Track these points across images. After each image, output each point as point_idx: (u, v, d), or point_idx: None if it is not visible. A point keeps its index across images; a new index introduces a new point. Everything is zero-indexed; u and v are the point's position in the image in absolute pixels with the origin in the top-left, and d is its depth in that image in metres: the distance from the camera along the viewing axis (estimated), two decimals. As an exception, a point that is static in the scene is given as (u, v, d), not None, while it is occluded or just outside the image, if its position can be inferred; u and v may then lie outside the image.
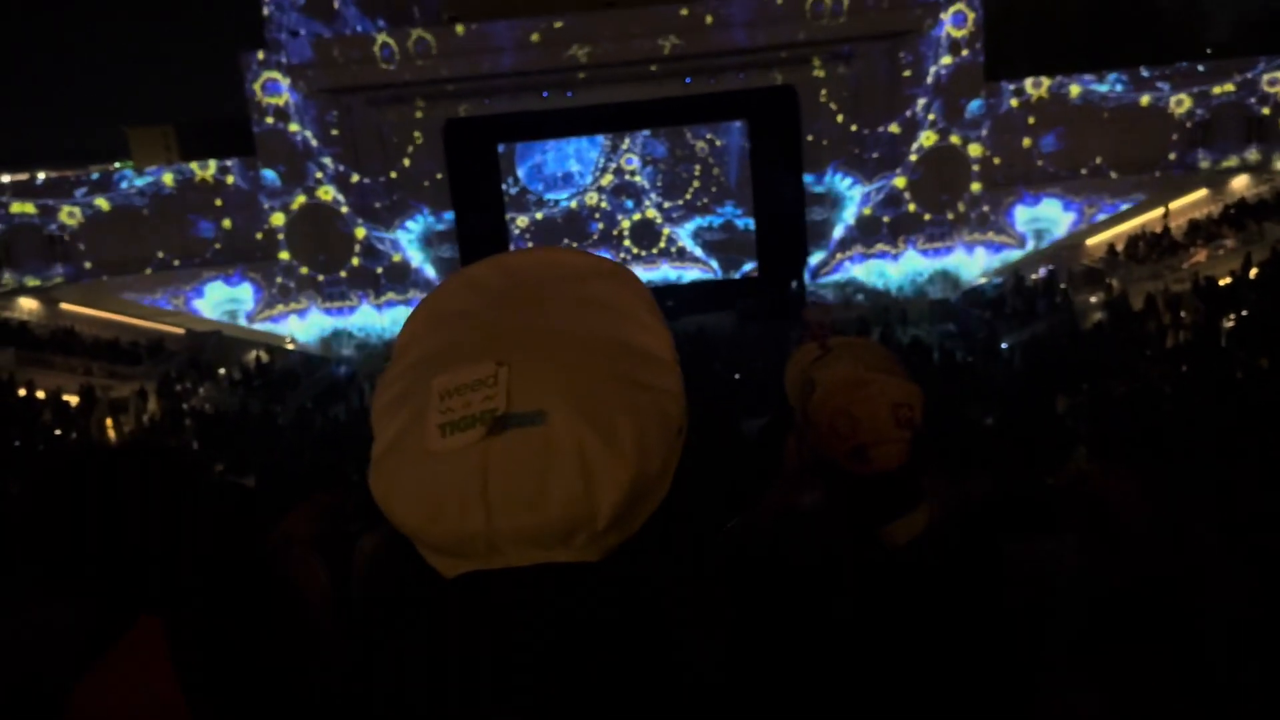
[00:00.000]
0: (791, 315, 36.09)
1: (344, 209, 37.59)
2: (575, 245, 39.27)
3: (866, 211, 38.52)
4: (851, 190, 38.93)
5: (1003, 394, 21.39)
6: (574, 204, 40.36)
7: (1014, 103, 37.26)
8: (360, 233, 38.36)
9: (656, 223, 41.59)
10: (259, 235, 37.73)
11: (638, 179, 40.80)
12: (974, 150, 37.12)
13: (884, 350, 2.15)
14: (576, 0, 33.09)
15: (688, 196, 41.43)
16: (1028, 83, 37.20)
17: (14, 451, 23.87)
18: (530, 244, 39.60)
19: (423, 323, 1.08)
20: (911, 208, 37.93)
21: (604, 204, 40.89)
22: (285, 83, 34.65)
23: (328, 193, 37.44)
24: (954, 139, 37.20)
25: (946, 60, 35.78)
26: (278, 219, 37.28)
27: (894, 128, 37.88)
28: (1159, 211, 33.96)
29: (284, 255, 37.51)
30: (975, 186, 37.10)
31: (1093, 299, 30.40)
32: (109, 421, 27.87)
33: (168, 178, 37.72)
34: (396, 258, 38.70)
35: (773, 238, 38.90)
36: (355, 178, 37.87)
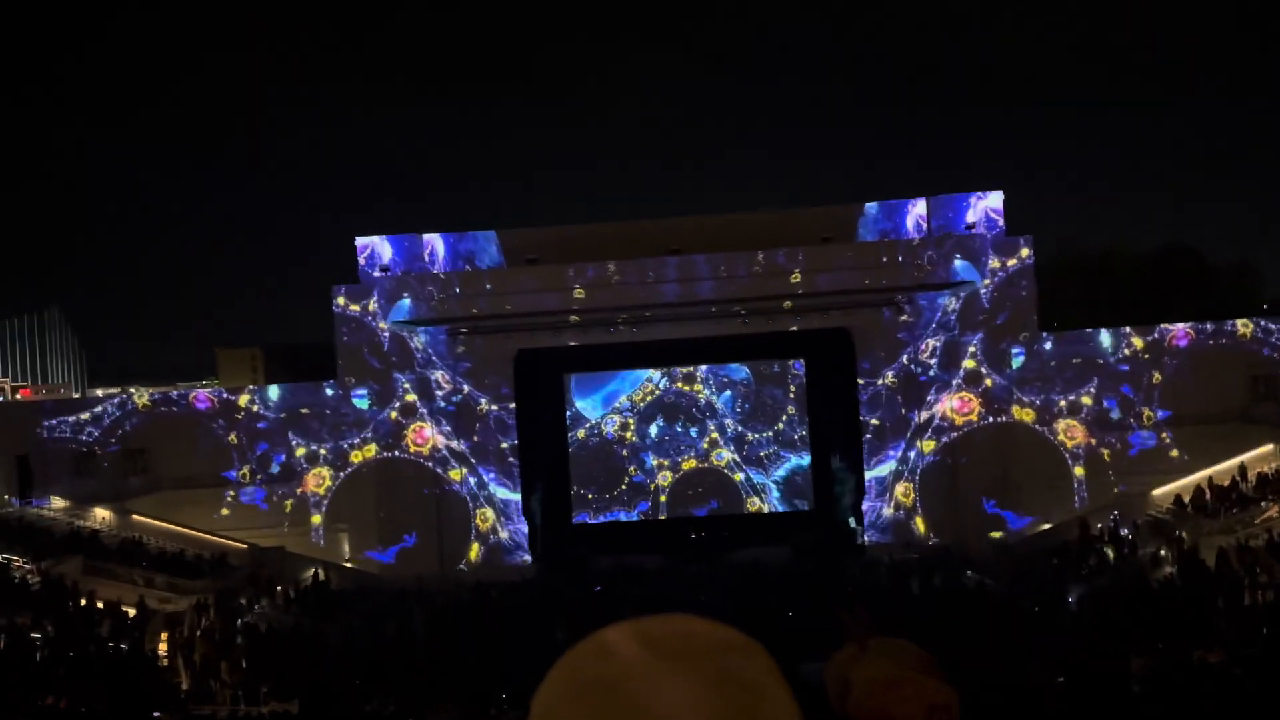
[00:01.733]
0: (849, 552, 35.60)
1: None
2: (611, 493, 38.55)
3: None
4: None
5: (1071, 652, 20.55)
6: (612, 433, 38.75)
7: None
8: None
9: (731, 477, 38.02)
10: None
11: (699, 390, 38.63)
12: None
13: (920, 651, 2.16)
14: (645, 246, 35.40)
15: (779, 427, 38.81)
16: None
17: (69, 662, 23.98)
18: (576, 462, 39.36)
19: (560, 693, 1.08)
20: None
21: (632, 434, 38.37)
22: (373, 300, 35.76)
23: (422, 433, 36.15)
24: (1022, 413, 34.87)
25: (989, 276, 34.95)
26: (318, 480, 36.44)
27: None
28: (1229, 464, 33.46)
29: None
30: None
31: (1161, 551, 29.52)
32: (164, 635, 27.96)
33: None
34: None
35: (830, 474, 38.91)
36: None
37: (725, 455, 39.50)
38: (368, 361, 37.00)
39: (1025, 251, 35.85)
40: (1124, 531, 31.81)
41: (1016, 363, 35.93)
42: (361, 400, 37.02)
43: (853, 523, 37.85)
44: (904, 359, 37.53)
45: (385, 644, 27.50)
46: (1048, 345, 36.79)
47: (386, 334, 36.88)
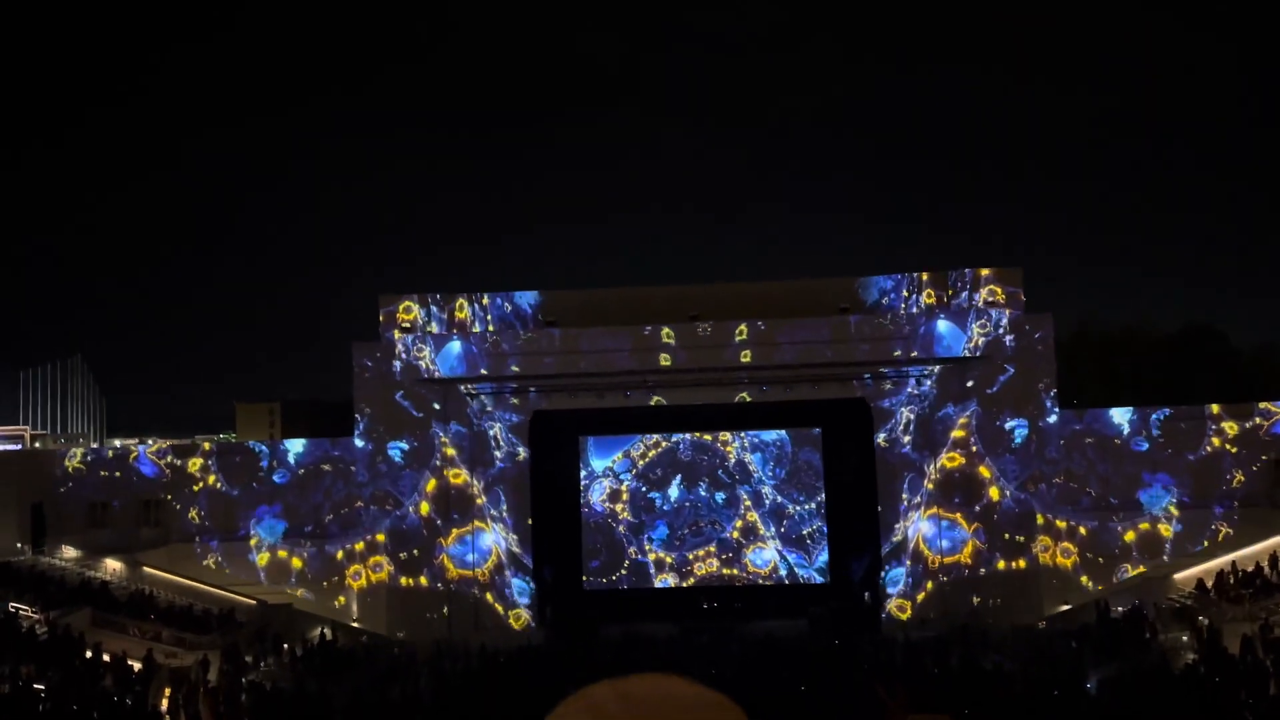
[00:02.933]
0: (864, 628, 34.86)
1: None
2: (609, 577, 36.97)
3: None
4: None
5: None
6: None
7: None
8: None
9: (758, 574, 36.18)
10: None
11: (726, 444, 36.65)
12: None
13: None
14: (663, 312, 35.49)
15: (822, 497, 36.64)
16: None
17: (71, 715, 23.72)
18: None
19: None
20: None
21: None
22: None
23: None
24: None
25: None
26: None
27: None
28: (1254, 549, 32.79)
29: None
30: None
31: (1183, 637, 28.84)
32: (167, 690, 27.65)
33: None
34: None
35: (848, 545, 38.21)
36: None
37: (768, 555, 37.02)
38: (403, 410, 34.92)
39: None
40: (1146, 613, 31.11)
41: (1019, 436, 34.43)
42: (395, 452, 34.88)
43: (868, 597, 37.12)
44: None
45: (391, 708, 27.08)
46: (1052, 419, 35.26)
47: (422, 385, 35.29)
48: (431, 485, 35.77)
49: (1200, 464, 35.16)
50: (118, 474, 37.08)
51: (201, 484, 36.12)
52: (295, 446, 37.05)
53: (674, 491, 38.47)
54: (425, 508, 35.64)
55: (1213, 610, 29.63)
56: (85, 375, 55.57)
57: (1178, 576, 33.03)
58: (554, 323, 35.75)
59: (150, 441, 45.33)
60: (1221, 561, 32.54)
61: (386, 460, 35.70)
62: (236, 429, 58.42)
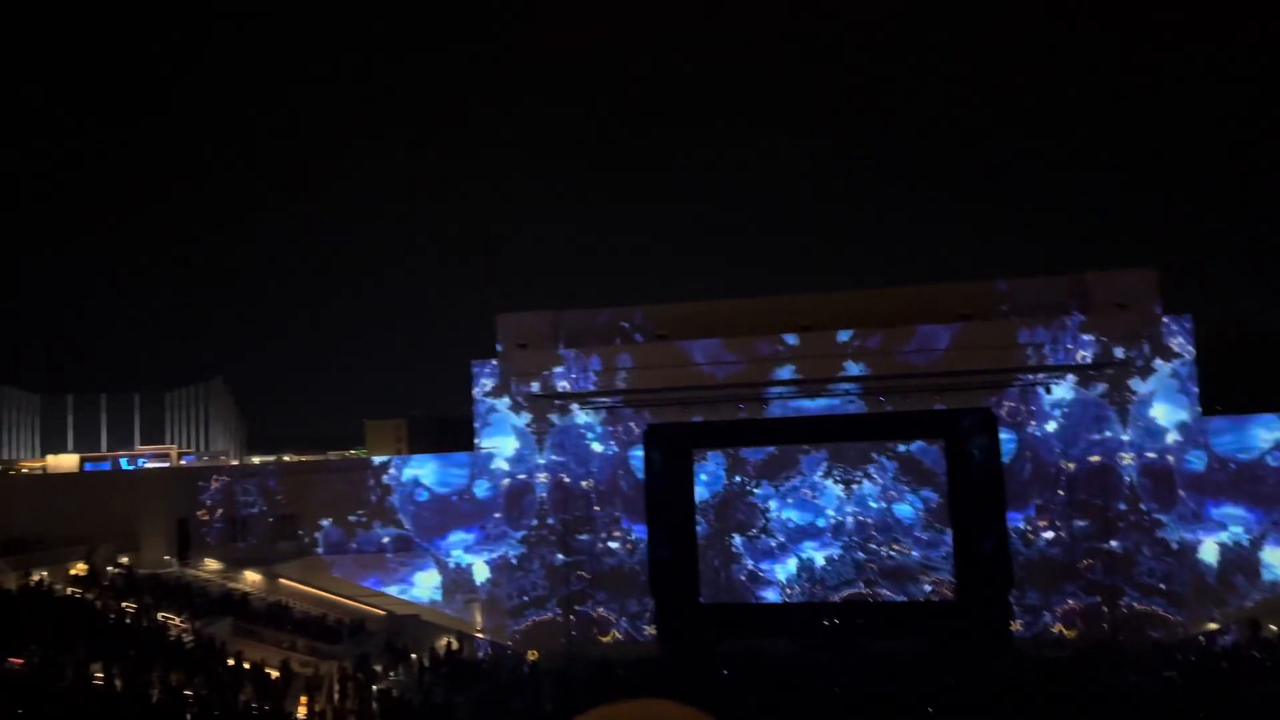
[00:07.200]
0: (994, 647, 33.54)
1: None
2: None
3: None
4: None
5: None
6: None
7: None
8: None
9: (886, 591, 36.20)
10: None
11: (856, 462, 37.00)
12: None
13: None
14: (776, 322, 34.99)
15: (946, 514, 36.42)
16: None
17: (215, 720, 24.87)
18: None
19: None
20: None
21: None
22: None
23: None
24: None
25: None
26: None
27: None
28: None
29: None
30: None
31: (1350, 659, 26.75)
32: (303, 699, 28.75)
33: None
34: None
35: (975, 562, 36.87)
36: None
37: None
38: (523, 424, 36.26)
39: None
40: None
41: (1156, 444, 32.72)
42: (509, 466, 36.62)
43: (997, 614, 35.59)
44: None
45: (513, 718, 27.52)
46: (1195, 424, 33.54)
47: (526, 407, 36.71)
48: (546, 499, 36.61)
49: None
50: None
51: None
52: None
53: (829, 501, 37.83)
54: (541, 520, 36.57)
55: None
56: (225, 396, 58.55)
57: (1340, 594, 30.76)
58: (665, 335, 35.76)
59: (287, 457, 47.36)
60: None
61: (507, 476, 36.78)
62: (366, 445, 60.65)
